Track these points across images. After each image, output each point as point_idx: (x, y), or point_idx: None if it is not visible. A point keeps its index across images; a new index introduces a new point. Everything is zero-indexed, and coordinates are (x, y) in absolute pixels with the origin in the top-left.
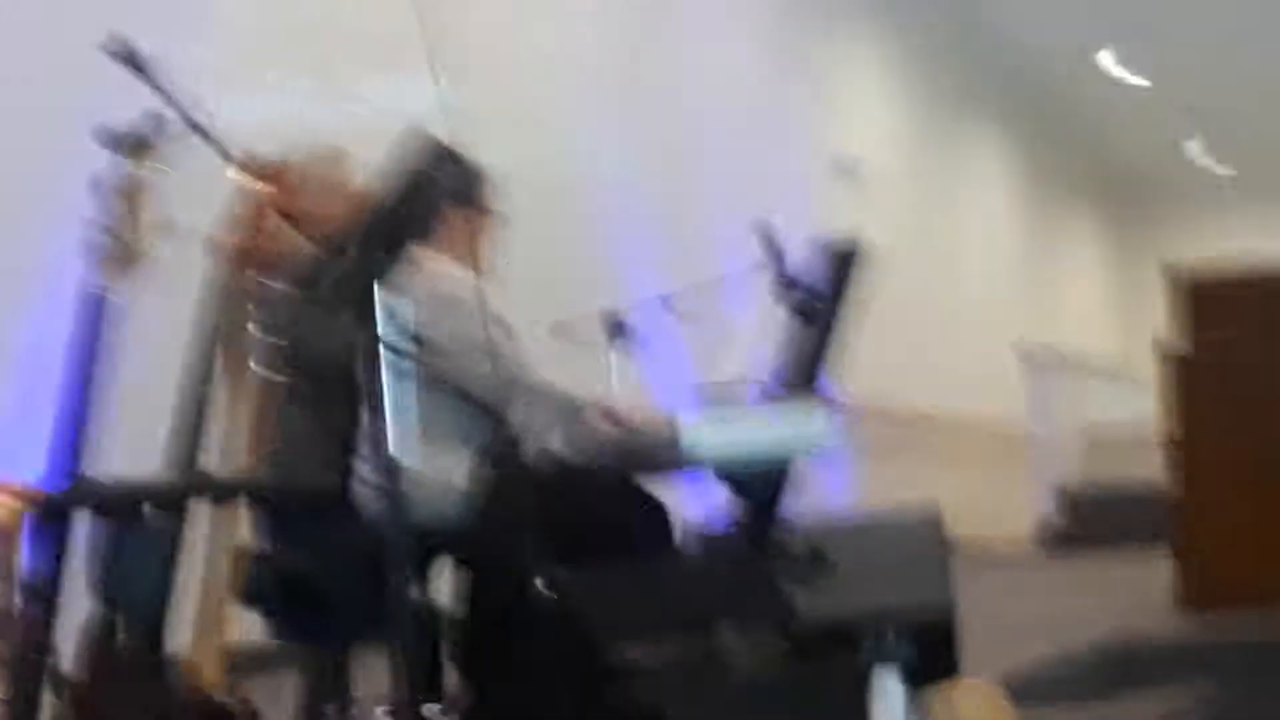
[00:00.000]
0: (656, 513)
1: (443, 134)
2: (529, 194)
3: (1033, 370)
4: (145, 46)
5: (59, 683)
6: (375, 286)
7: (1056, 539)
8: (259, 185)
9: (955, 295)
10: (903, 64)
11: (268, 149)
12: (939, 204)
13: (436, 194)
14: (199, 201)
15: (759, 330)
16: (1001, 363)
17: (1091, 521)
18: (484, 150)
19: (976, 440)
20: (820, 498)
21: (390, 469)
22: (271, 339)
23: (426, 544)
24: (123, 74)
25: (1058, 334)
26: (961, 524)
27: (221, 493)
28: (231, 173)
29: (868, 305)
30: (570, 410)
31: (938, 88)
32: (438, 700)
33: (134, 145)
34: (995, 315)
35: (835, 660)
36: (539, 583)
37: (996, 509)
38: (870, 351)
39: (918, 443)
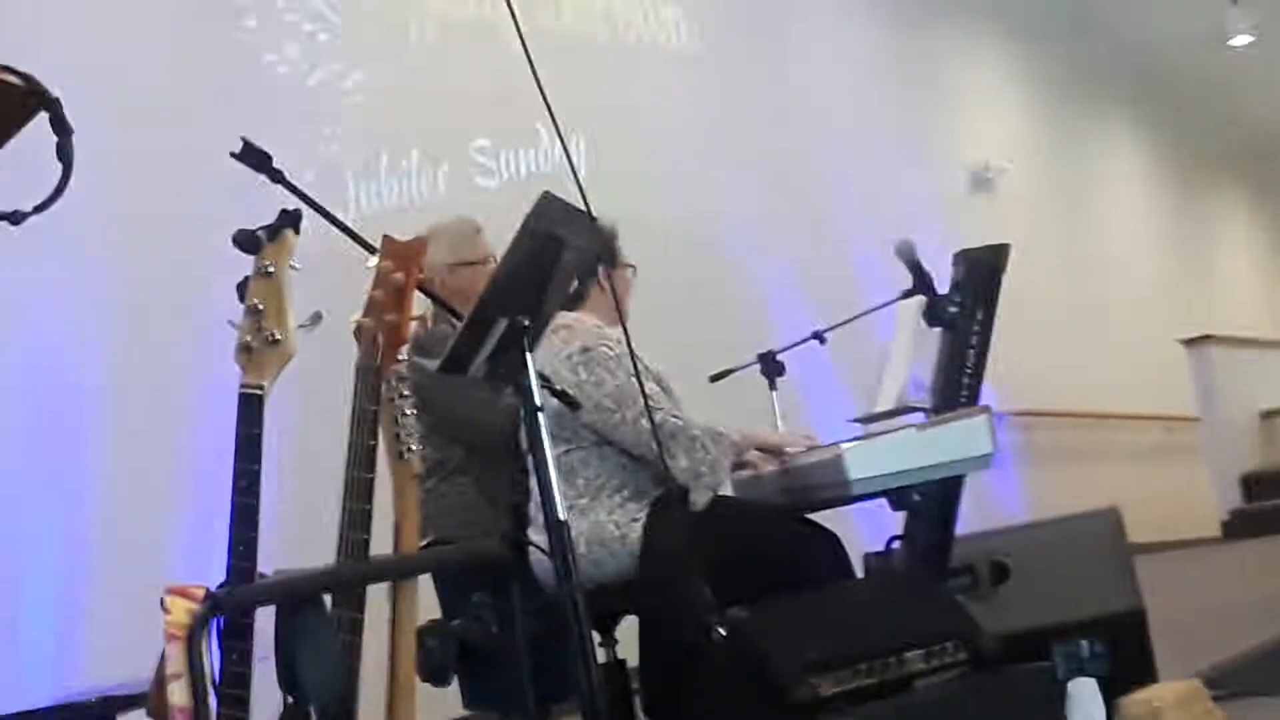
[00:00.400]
0: (827, 543)
1: (569, 194)
2: (672, 245)
3: (1197, 358)
4: (275, 146)
5: None
6: (526, 353)
7: (1240, 527)
8: (398, 268)
9: (1109, 292)
10: (1027, 62)
11: (404, 229)
12: (1080, 202)
13: (568, 254)
14: (340, 290)
15: (913, 351)
16: (1164, 355)
17: (1275, 506)
18: (619, 205)
19: (1148, 437)
20: (996, 509)
21: (559, 530)
22: (428, 417)
23: (605, 599)
24: (251, 176)
25: (1218, 318)
26: (1142, 522)
27: (397, 574)
28: (371, 260)
29: (1022, 312)
30: (732, 451)
31: (1066, 83)
32: None
33: (270, 243)
34: (1152, 308)
35: (1027, 675)
36: (715, 626)
37: (1177, 503)
38: (1033, 358)
39: (1090, 445)
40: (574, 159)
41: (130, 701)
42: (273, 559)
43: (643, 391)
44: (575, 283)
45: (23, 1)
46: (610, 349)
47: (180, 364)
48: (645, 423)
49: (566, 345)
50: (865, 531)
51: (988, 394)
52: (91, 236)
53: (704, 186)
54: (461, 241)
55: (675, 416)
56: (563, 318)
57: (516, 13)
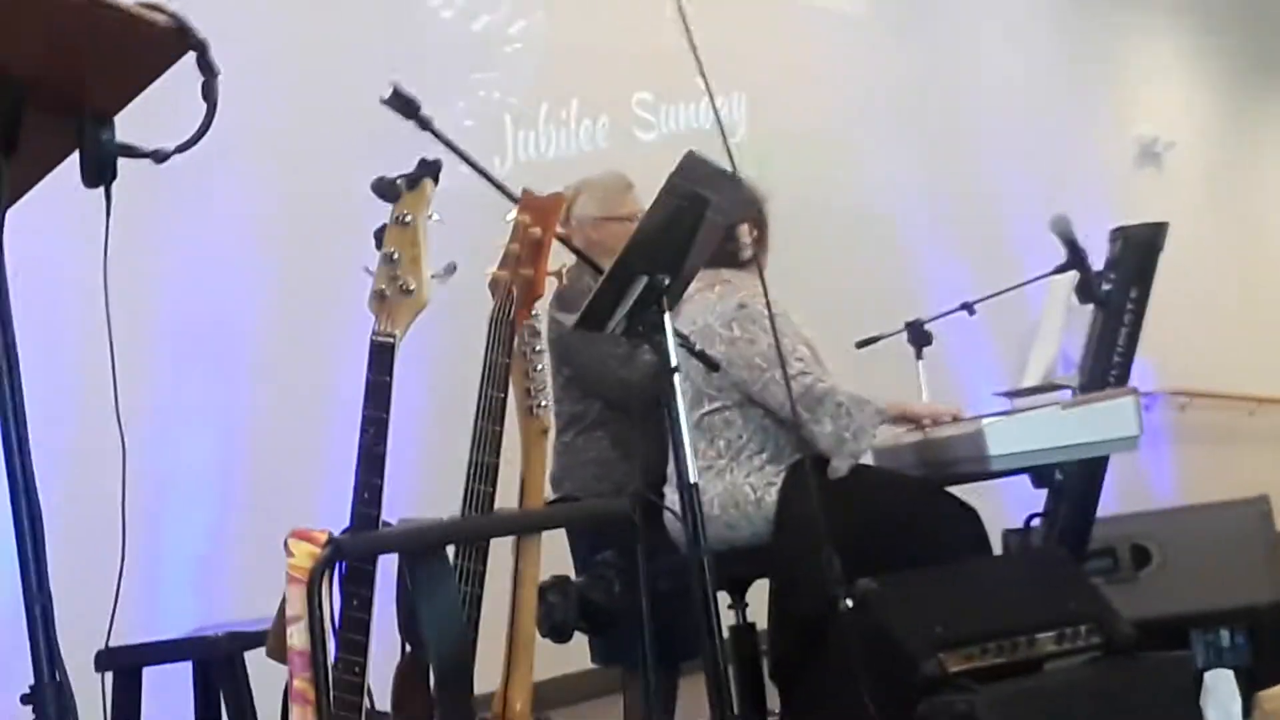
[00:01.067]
0: (966, 517)
1: (720, 156)
2: (828, 209)
3: None
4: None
5: None
6: (664, 311)
7: None
8: (536, 222)
9: (1276, 274)
10: (1200, 36)
11: (560, 180)
12: (1250, 181)
13: (711, 214)
14: (479, 242)
15: (1063, 327)
16: None
17: None
18: (776, 165)
19: None
20: (1144, 491)
21: (689, 490)
22: (567, 370)
23: (737, 562)
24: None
25: None
26: None
27: (521, 528)
28: (510, 214)
29: (1186, 290)
30: (875, 418)
31: (1238, 60)
32: (762, 719)
33: (409, 192)
34: None
35: (1162, 663)
36: (844, 596)
37: None
38: (1193, 337)
39: (1249, 429)
40: (734, 117)
41: (259, 639)
42: (400, 508)
43: (793, 354)
44: (746, 250)
45: None
46: (755, 310)
47: (334, 305)
48: (795, 384)
49: (723, 300)
50: (1008, 507)
51: (1144, 370)
52: (251, 173)
53: (863, 151)
54: (610, 196)
55: (823, 381)
56: (723, 274)
57: None
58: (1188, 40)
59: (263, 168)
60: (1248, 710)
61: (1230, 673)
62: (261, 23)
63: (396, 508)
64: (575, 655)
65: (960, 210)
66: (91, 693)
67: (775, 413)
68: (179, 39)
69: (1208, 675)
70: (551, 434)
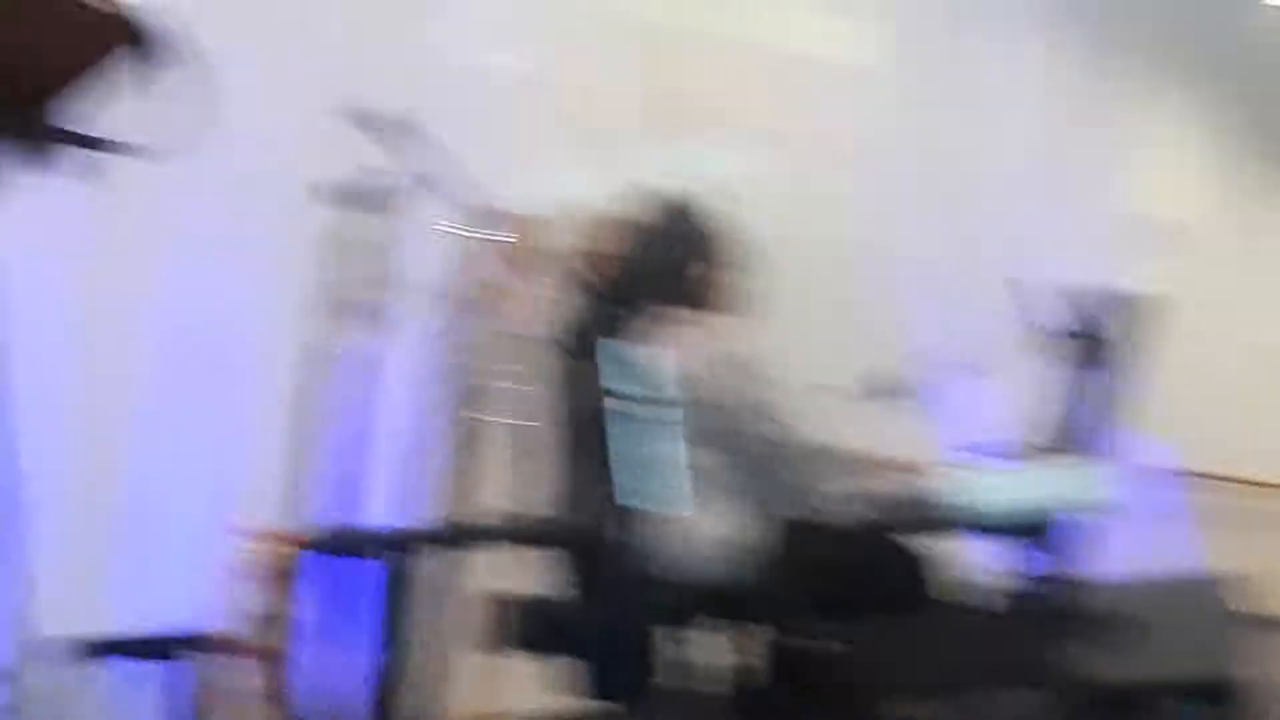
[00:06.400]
0: (914, 565)
1: (704, 197)
2: (831, 262)
3: None
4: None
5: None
6: (611, 338)
7: None
8: (501, 236)
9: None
10: (1211, 111)
11: (564, 220)
12: (1257, 260)
13: (679, 251)
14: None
15: (1044, 387)
16: None
17: None
18: (781, 219)
19: None
20: (1122, 561)
21: (622, 516)
22: (521, 388)
23: (704, 599)
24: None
25: None
26: None
27: (482, 537)
28: (473, 225)
29: (1183, 367)
30: (844, 465)
31: (1252, 137)
32: None
33: (366, 201)
34: None
35: None
36: (806, 641)
37: None
38: (1203, 416)
39: (1250, 511)
40: (744, 169)
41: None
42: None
43: (763, 404)
44: (712, 286)
45: None
46: (742, 354)
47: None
48: (765, 432)
49: (703, 344)
50: (977, 560)
51: (1144, 445)
52: (230, 181)
53: (872, 205)
54: (596, 231)
55: (792, 430)
56: (703, 317)
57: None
58: (1200, 117)
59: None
60: None
61: None
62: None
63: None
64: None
65: (970, 267)
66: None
67: (749, 458)
68: (118, 28)
69: None
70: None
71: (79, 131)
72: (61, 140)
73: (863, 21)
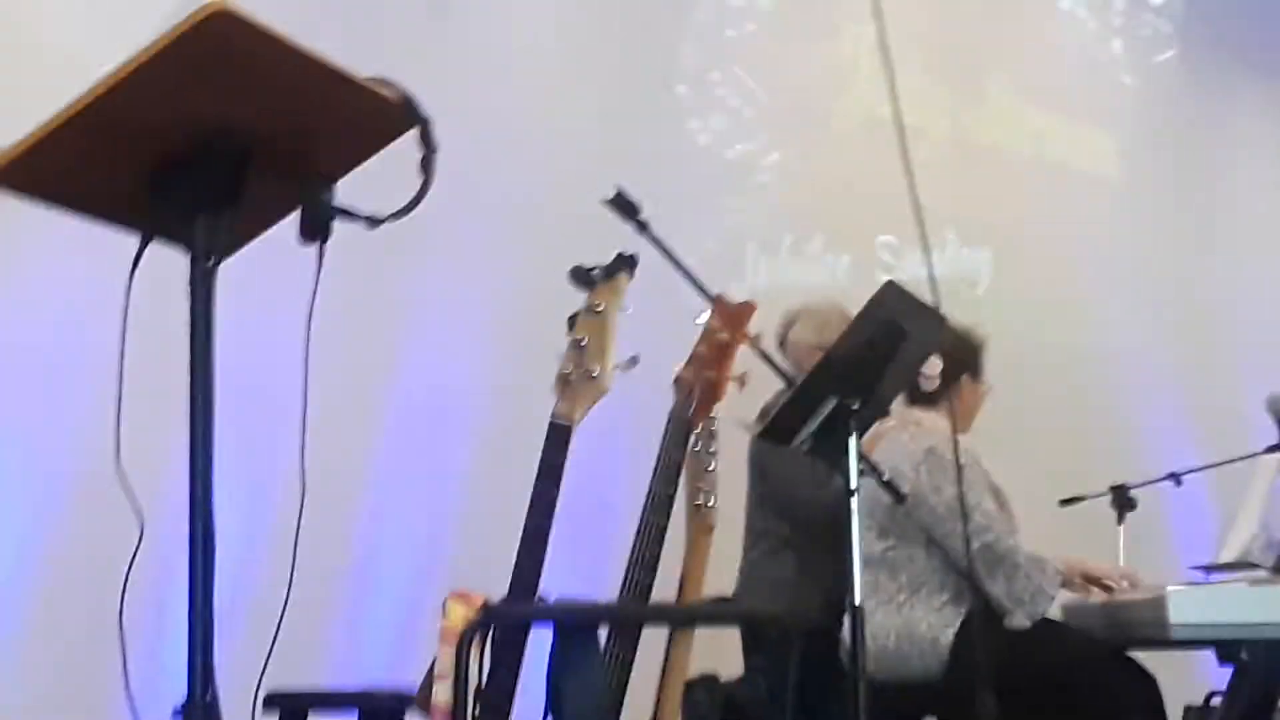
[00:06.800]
0: (1144, 684)
1: (970, 302)
2: (1054, 370)
3: None
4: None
5: None
6: (850, 434)
7: None
8: (726, 327)
9: None
10: None
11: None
12: None
13: (909, 346)
14: (664, 339)
15: (1266, 507)
16: None
17: None
18: (1008, 321)
19: None
20: None
21: (855, 611)
22: (761, 486)
23: (907, 697)
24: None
25: None
26: None
27: (677, 620)
28: (702, 317)
29: None
30: (1054, 579)
31: None
32: None
33: (604, 283)
34: None
35: None
36: None
37: None
38: None
39: None
40: (978, 270)
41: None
42: (558, 585)
43: (977, 508)
44: (931, 382)
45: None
46: (956, 457)
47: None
48: (975, 540)
49: (914, 442)
50: (1194, 680)
51: None
52: (474, 253)
53: (1102, 315)
54: (827, 325)
55: (1004, 539)
56: (916, 414)
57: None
58: None
59: (488, 248)
60: None
61: None
62: (538, 111)
63: (554, 584)
64: None
65: (1194, 379)
66: None
67: (956, 562)
68: (406, 114)
69: None
70: (716, 534)
71: (352, 209)
72: (341, 217)
73: (1116, 130)
